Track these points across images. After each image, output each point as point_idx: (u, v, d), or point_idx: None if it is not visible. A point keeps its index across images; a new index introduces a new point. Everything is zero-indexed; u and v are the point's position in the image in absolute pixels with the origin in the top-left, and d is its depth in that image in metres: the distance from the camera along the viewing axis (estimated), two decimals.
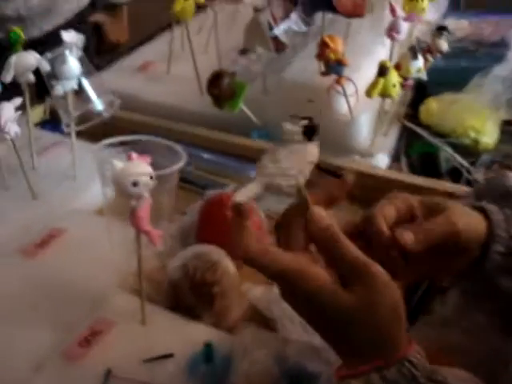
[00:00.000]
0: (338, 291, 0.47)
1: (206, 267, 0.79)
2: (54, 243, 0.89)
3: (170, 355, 0.71)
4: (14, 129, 0.88)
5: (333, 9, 1.04)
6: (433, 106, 1.13)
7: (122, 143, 0.69)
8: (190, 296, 0.78)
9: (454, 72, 1.19)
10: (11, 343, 0.74)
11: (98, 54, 1.78)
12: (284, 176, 0.48)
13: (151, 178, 0.66)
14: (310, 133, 0.47)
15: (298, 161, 0.48)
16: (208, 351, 0.69)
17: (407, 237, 0.53)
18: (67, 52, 0.90)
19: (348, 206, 0.91)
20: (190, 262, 0.80)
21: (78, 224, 0.93)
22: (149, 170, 0.66)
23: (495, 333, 0.65)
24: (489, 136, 1.08)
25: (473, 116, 1.07)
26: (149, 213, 0.69)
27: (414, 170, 1.08)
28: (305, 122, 0.46)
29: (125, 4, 1.90)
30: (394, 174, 1.02)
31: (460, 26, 1.34)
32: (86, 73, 1.00)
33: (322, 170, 0.51)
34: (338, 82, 0.99)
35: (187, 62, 1.28)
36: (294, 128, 0.47)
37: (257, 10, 1.06)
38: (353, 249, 0.48)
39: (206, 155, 1.11)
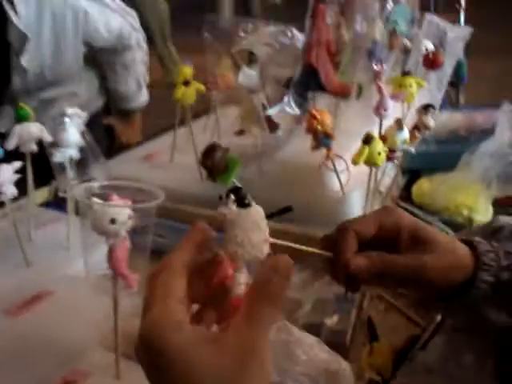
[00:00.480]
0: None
1: None
2: (39, 304, 0.89)
3: None
4: (10, 190, 0.91)
5: (322, 89, 1.10)
6: (424, 186, 1.15)
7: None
8: None
9: (446, 157, 1.21)
10: None
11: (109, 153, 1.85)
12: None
13: (129, 218, 0.68)
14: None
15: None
16: None
17: (357, 262, 0.54)
18: (67, 120, 0.95)
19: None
20: None
21: (65, 287, 0.93)
22: (127, 207, 0.67)
23: (484, 377, 0.62)
24: (482, 214, 1.08)
25: (463, 193, 1.08)
26: (126, 255, 0.70)
27: None
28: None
29: (138, 110, 2.01)
30: None
31: (454, 118, 1.39)
32: (93, 156, 1.06)
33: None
34: (327, 156, 1.01)
35: (189, 154, 1.34)
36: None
37: (252, 92, 1.12)
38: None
39: None
